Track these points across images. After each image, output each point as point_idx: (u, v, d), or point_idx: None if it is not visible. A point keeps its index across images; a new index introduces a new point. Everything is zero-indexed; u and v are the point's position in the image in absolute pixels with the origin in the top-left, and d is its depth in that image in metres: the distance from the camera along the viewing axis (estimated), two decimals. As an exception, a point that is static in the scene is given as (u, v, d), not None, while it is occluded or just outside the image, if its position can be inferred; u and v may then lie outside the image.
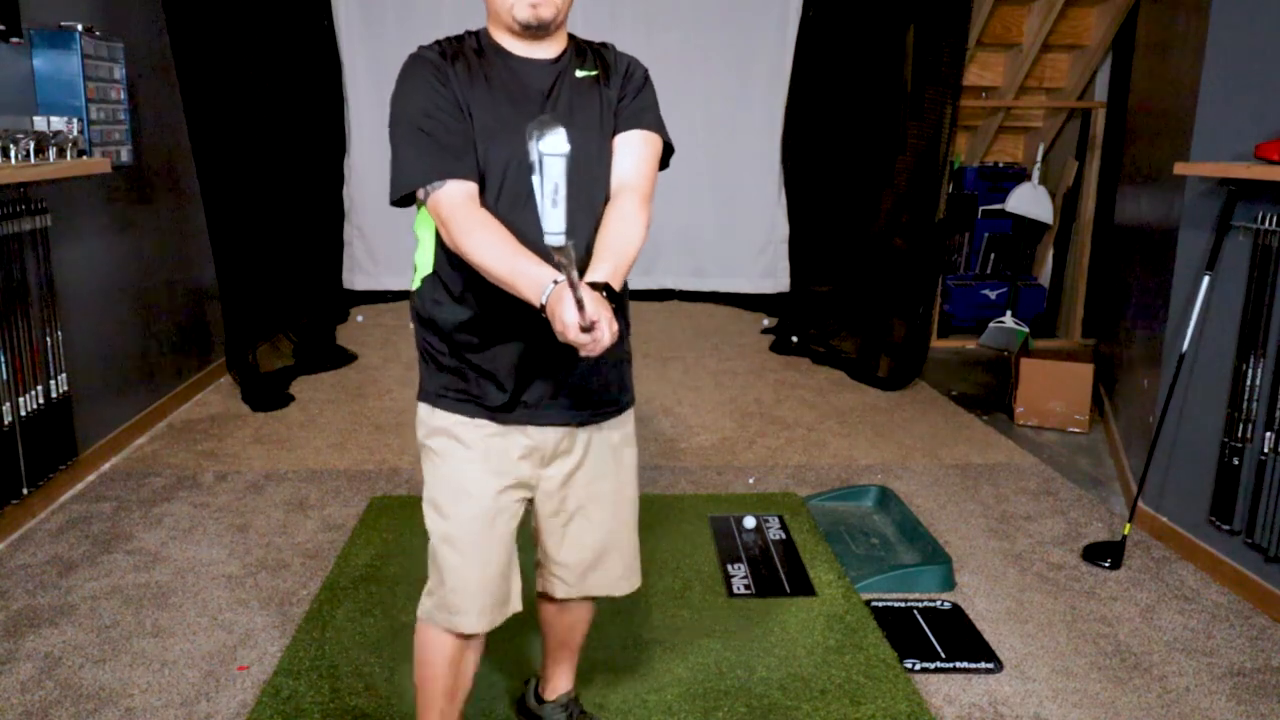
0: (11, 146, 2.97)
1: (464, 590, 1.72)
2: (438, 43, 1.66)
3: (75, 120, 3.41)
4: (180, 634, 2.57)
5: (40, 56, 3.38)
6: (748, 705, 2.25)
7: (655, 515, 3.29)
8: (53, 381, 3.31)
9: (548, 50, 1.68)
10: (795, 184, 6.48)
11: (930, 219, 5.04)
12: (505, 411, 1.70)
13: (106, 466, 3.75)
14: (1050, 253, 6.41)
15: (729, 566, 2.93)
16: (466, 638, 1.77)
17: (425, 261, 1.69)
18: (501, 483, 1.72)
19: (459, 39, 1.68)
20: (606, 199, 1.69)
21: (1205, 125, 3.08)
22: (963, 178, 6.34)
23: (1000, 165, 6.38)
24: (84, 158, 3.40)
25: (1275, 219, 2.75)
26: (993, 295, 6.19)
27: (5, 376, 3.04)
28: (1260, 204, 2.81)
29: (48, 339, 3.28)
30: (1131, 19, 5.06)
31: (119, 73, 3.76)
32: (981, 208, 6.30)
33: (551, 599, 1.93)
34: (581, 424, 1.76)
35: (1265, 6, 2.86)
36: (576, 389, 1.72)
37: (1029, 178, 6.01)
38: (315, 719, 2.19)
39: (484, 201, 1.60)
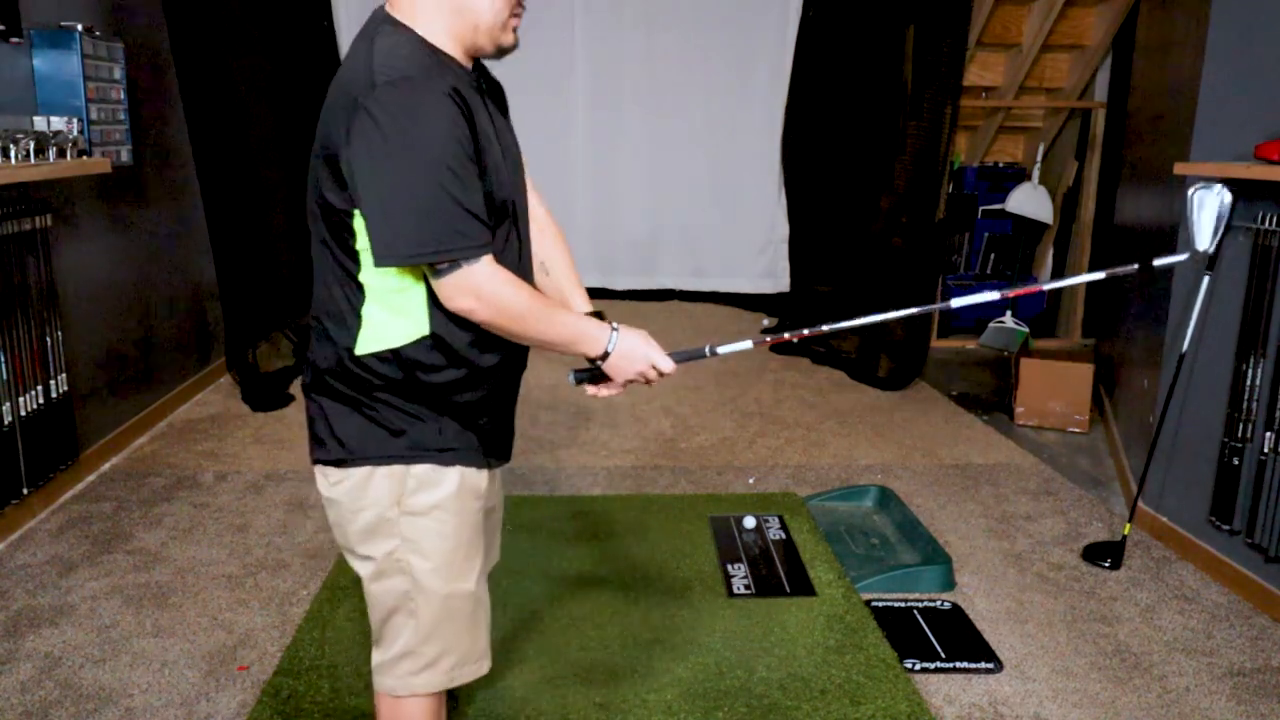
0: (11, 146, 2.97)
1: (485, 634, 1.63)
2: (436, 59, 1.40)
3: (75, 120, 3.41)
4: (180, 634, 2.57)
5: (40, 56, 3.38)
6: (748, 705, 2.25)
7: (655, 515, 3.29)
8: (53, 381, 3.30)
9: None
10: (795, 184, 6.48)
11: (930, 219, 5.04)
12: (498, 457, 1.62)
13: (106, 466, 3.75)
14: (1050, 253, 6.41)
15: (729, 566, 2.93)
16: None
17: (413, 325, 1.44)
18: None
19: (435, 57, 1.41)
20: None
21: (1205, 125, 3.08)
22: (963, 178, 6.34)
23: (1000, 165, 6.38)
24: (84, 158, 3.39)
25: (1275, 219, 2.75)
26: (993, 295, 6.18)
27: (5, 376, 3.04)
28: (1260, 204, 2.81)
29: (48, 339, 3.28)
30: (1131, 19, 5.06)
31: (119, 73, 3.76)
32: (981, 208, 6.29)
33: None
34: None
35: (1265, 6, 2.86)
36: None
37: (1029, 178, 6.01)
38: (315, 719, 2.19)
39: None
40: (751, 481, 3.70)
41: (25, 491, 3.15)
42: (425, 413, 1.49)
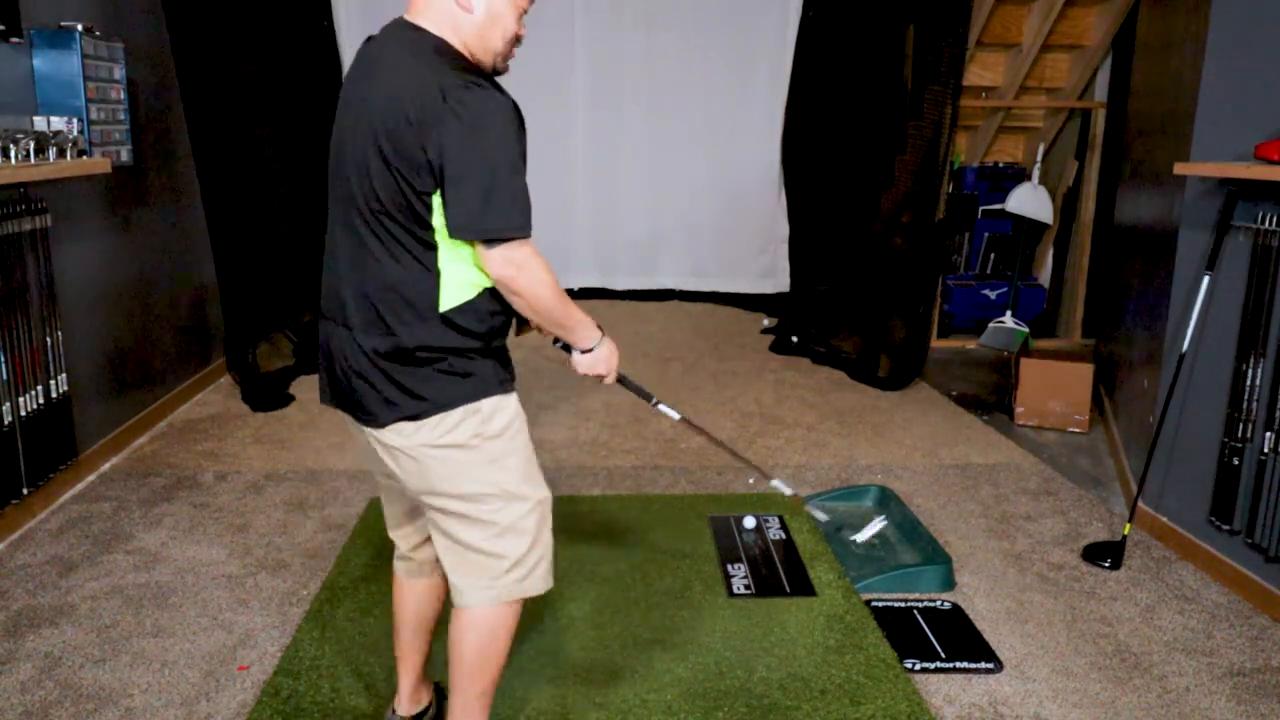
0: (11, 146, 2.97)
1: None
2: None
3: (75, 120, 3.41)
4: (180, 634, 2.57)
5: (40, 56, 3.38)
6: (748, 705, 2.25)
7: (655, 515, 3.29)
8: (53, 381, 3.30)
9: None
10: (795, 184, 6.48)
11: (930, 219, 5.03)
12: None
13: (106, 466, 3.75)
14: (1050, 253, 6.41)
15: (729, 566, 2.93)
16: None
17: (479, 278, 1.71)
18: None
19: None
20: None
21: (1205, 125, 3.08)
22: (963, 178, 6.34)
23: (1000, 165, 6.38)
24: (84, 158, 3.40)
25: (1275, 219, 2.75)
26: (993, 295, 6.19)
27: (5, 376, 3.04)
28: (1260, 204, 2.81)
29: (48, 339, 3.28)
30: (1131, 19, 5.06)
31: (119, 73, 3.76)
32: (981, 208, 6.29)
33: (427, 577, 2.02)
34: None
35: (1265, 6, 2.86)
36: None
37: (1029, 178, 6.01)
38: (315, 719, 2.19)
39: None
40: (751, 481, 3.70)
41: (25, 491, 3.15)
42: (479, 357, 1.75)
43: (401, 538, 2.00)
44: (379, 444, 1.78)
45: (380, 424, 1.74)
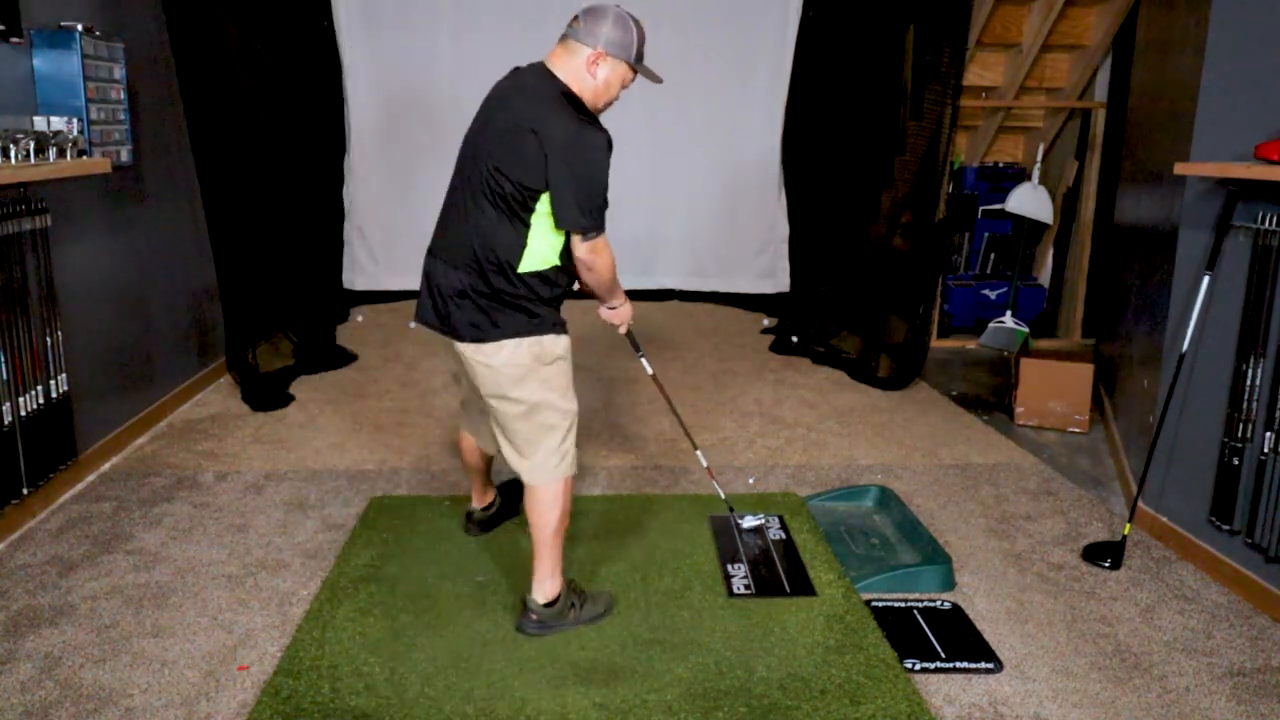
0: (11, 146, 2.97)
1: None
2: None
3: (75, 120, 3.41)
4: (180, 634, 2.57)
5: (40, 56, 3.38)
6: (748, 705, 2.25)
7: (655, 515, 3.30)
8: (53, 381, 3.30)
9: None
10: (795, 184, 6.48)
11: (930, 219, 5.04)
12: None
13: (106, 466, 3.75)
14: (1050, 253, 6.41)
15: (729, 566, 2.93)
16: None
17: (552, 256, 2.43)
18: None
19: None
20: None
21: (1205, 125, 3.08)
22: (963, 178, 6.34)
23: (1000, 165, 6.38)
24: (84, 158, 3.39)
25: (1275, 219, 2.75)
26: (993, 295, 6.19)
27: (5, 376, 3.04)
28: (1260, 204, 2.81)
29: (48, 339, 3.28)
30: (1131, 19, 5.06)
31: (119, 73, 3.76)
32: (981, 208, 6.29)
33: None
34: None
35: (1265, 6, 2.86)
36: None
37: (1029, 178, 6.01)
38: (315, 719, 2.19)
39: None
40: (751, 481, 3.70)
41: (25, 491, 3.15)
42: (542, 306, 2.44)
43: (472, 431, 2.86)
44: (461, 354, 2.46)
45: (463, 340, 2.43)
